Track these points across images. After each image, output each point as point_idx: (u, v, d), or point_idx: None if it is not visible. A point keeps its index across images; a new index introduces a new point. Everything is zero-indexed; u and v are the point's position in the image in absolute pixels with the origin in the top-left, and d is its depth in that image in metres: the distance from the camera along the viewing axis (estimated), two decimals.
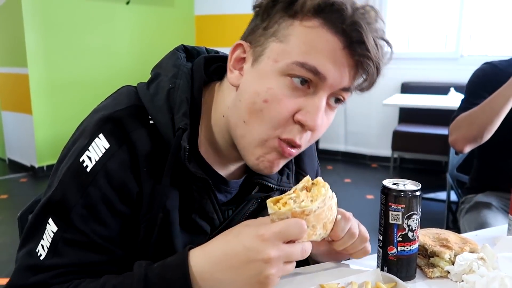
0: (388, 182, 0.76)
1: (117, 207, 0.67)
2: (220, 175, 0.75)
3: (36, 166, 4.14)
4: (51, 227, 0.66)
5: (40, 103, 4.09)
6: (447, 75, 4.19)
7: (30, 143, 4.15)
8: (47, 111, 4.15)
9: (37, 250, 0.66)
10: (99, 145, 0.66)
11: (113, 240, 0.67)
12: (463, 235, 0.86)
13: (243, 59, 0.69)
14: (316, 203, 0.61)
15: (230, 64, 0.70)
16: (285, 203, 0.62)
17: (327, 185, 0.65)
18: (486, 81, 1.53)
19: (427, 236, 0.82)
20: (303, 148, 0.70)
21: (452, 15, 4.24)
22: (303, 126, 0.66)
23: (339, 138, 4.82)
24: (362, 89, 0.69)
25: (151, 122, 0.69)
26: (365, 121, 4.65)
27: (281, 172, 0.78)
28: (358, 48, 0.63)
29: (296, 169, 0.84)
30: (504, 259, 0.75)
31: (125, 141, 0.66)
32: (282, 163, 0.70)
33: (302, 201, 0.62)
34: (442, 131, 3.79)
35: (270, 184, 0.76)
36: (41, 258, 0.65)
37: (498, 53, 4.13)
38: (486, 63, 1.60)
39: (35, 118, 4.07)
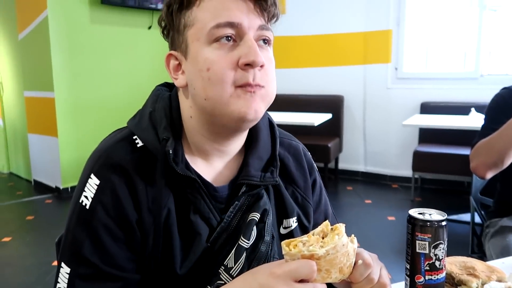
0: (414, 212, 0.78)
1: (119, 235, 0.73)
2: (208, 182, 0.80)
3: (61, 187, 4.24)
4: (64, 270, 0.73)
5: (65, 126, 4.22)
6: (467, 94, 4.18)
7: (55, 165, 4.26)
8: (71, 133, 4.27)
9: None
10: (92, 184, 0.73)
11: (122, 266, 0.73)
12: (490, 263, 0.87)
13: (179, 65, 0.78)
14: (323, 249, 0.64)
15: (171, 75, 0.79)
16: (296, 245, 0.66)
17: (342, 233, 0.67)
18: (504, 107, 1.54)
19: (453, 265, 0.83)
20: (267, 89, 0.75)
21: (470, 34, 4.24)
22: (249, 66, 0.72)
23: (359, 159, 4.81)
24: (274, 16, 0.77)
25: (139, 145, 0.76)
26: (385, 141, 4.64)
27: (265, 169, 0.83)
28: None
29: (284, 178, 0.88)
30: None
31: (114, 172, 0.73)
32: (259, 104, 0.74)
33: (311, 245, 0.65)
34: (464, 151, 3.76)
35: (253, 182, 0.80)
36: None
37: None
38: (504, 88, 1.61)
39: (60, 141, 4.19)
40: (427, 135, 4.29)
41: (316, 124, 3.77)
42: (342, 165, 4.86)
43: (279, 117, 3.87)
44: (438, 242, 0.75)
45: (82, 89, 4.30)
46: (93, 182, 0.73)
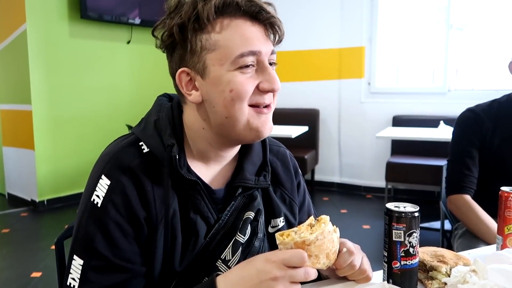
0: (390, 205, 0.87)
1: (128, 231, 0.80)
2: (207, 184, 0.89)
3: (37, 200, 4.19)
4: (77, 262, 0.79)
5: (42, 138, 4.19)
6: (436, 108, 4.38)
7: (31, 178, 4.22)
8: (49, 146, 4.25)
9: (68, 284, 0.79)
10: (103, 184, 0.81)
11: (130, 259, 0.80)
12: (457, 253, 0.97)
13: (191, 81, 0.84)
14: (314, 235, 0.74)
15: (184, 91, 0.85)
16: (289, 234, 0.75)
17: (327, 222, 0.78)
18: (473, 126, 1.69)
19: (425, 253, 0.93)
20: (274, 105, 0.87)
21: (438, 51, 4.47)
22: (268, 92, 0.83)
23: (334, 170, 4.95)
24: (280, 41, 0.86)
25: (145, 151, 0.84)
26: (359, 153, 4.80)
27: (258, 173, 0.93)
28: (260, 15, 0.81)
29: (272, 181, 0.97)
30: (493, 271, 0.86)
31: (123, 174, 0.80)
32: (270, 119, 0.86)
33: (302, 232, 0.75)
34: (433, 162, 3.94)
35: (248, 185, 0.90)
36: None
37: (484, 87, 4.34)
38: (468, 110, 1.75)
39: (37, 154, 4.16)
40: (399, 147, 4.46)
41: (293, 136, 3.88)
42: (318, 177, 4.99)
43: None
44: (411, 231, 0.84)
45: (60, 103, 4.30)
46: (104, 182, 0.80)
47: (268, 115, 0.85)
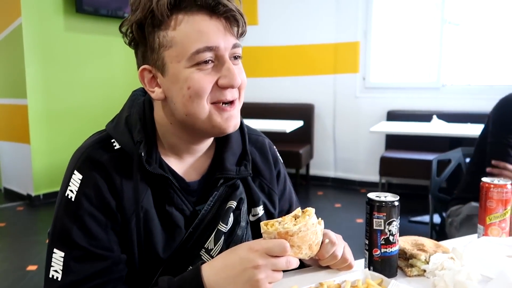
0: (372, 195, 0.90)
1: (103, 221, 0.83)
2: (181, 177, 0.90)
3: (33, 194, 4.21)
4: (58, 254, 0.82)
5: (38, 132, 4.21)
6: (430, 103, 4.42)
7: (27, 172, 4.24)
8: (44, 140, 4.26)
9: (50, 276, 0.81)
10: (75, 179, 0.84)
11: (108, 247, 0.83)
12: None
13: (153, 78, 0.85)
14: (297, 226, 0.77)
15: (147, 88, 0.86)
16: (273, 224, 0.78)
17: (312, 214, 0.81)
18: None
19: (406, 242, 0.96)
20: (240, 100, 0.86)
21: (433, 46, 4.49)
22: (227, 88, 0.82)
23: (329, 165, 4.98)
24: (243, 33, 0.85)
25: (116, 147, 0.86)
26: (354, 148, 4.83)
27: (239, 163, 0.94)
28: (217, 9, 0.79)
29: (253, 172, 0.98)
30: (470, 258, 0.89)
31: (94, 168, 0.83)
32: (236, 117, 0.86)
33: (286, 223, 0.78)
34: (426, 156, 3.97)
35: (230, 175, 0.92)
36: (59, 279, 0.81)
37: (478, 83, 4.37)
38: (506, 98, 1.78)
39: (32, 148, 4.17)
40: (393, 141, 4.49)
41: (288, 131, 3.90)
42: (313, 171, 5.02)
43: (252, 124, 3.93)
44: (391, 219, 0.87)
45: (56, 97, 4.31)
46: (77, 177, 0.83)
47: (232, 112, 0.84)
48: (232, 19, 0.81)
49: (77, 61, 4.44)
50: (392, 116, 4.53)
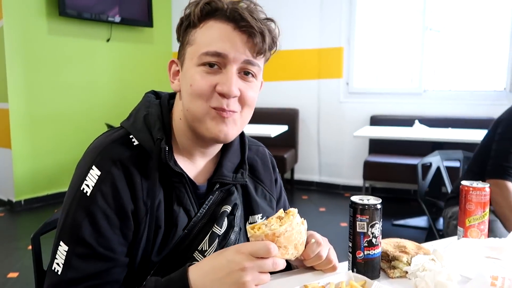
0: (355, 198, 0.92)
1: (114, 221, 0.82)
2: (191, 179, 0.92)
3: (14, 200, 4.14)
4: (63, 248, 0.81)
5: (20, 137, 4.14)
6: (412, 108, 4.49)
7: (8, 177, 4.16)
8: (26, 145, 4.20)
9: (53, 268, 0.81)
10: (93, 174, 0.83)
11: (114, 249, 0.83)
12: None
13: (178, 71, 0.92)
14: (283, 227, 0.78)
15: (170, 78, 0.93)
16: (259, 227, 0.79)
17: (295, 214, 0.83)
18: None
19: (389, 244, 0.98)
20: (242, 115, 0.89)
21: (415, 52, 4.57)
22: (223, 95, 0.85)
23: (313, 169, 5.01)
24: (262, 53, 0.88)
25: (135, 143, 0.88)
26: (338, 152, 4.87)
27: (236, 170, 0.97)
28: (243, 25, 0.84)
29: (253, 178, 1.03)
30: (451, 259, 0.91)
31: (114, 165, 0.83)
32: (230, 128, 0.88)
33: (272, 225, 0.79)
34: (409, 160, 4.04)
35: (226, 181, 0.94)
36: (59, 273, 0.80)
37: (459, 88, 4.46)
38: None
39: (14, 152, 4.11)
40: (376, 146, 4.55)
41: (273, 136, 3.93)
42: (297, 176, 5.04)
43: None
44: (374, 222, 0.89)
45: (38, 101, 4.25)
46: (95, 173, 0.83)
47: (229, 121, 0.87)
48: (254, 38, 0.85)
49: (60, 65, 4.39)
50: (375, 121, 4.58)
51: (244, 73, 0.87)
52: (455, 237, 1.15)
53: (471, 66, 4.46)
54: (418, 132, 3.75)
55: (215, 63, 0.85)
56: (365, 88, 4.79)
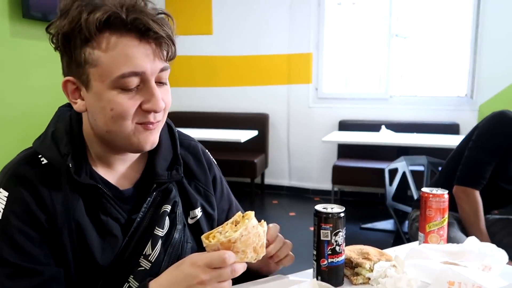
0: (319, 207, 0.93)
1: (33, 235, 0.81)
2: (114, 185, 0.91)
3: None
4: None
5: None
6: (379, 113, 4.59)
7: None
8: None
9: None
10: (2, 197, 0.83)
11: (41, 261, 0.81)
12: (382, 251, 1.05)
13: (77, 89, 0.84)
14: (238, 232, 0.78)
15: (70, 98, 0.86)
16: (214, 236, 0.79)
17: (251, 217, 0.82)
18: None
19: (352, 251, 1.00)
20: (162, 120, 0.88)
21: (382, 59, 4.68)
22: (151, 112, 0.83)
23: (283, 174, 5.04)
24: (172, 58, 0.84)
25: (43, 162, 0.86)
26: (307, 157, 4.92)
27: (170, 168, 0.96)
28: (147, 34, 0.78)
29: (188, 176, 1.01)
30: (411, 266, 0.94)
31: (19, 184, 0.82)
32: (155, 136, 0.87)
33: (227, 232, 0.79)
34: (376, 165, 4.12)
35: (162, 181, 0.93)
36: None
37: (425, 94, 4.60)
38: (502, 112, 1.81)
39: None
40: (345, 150, 4.63)
41: (242, 141, 3.93)
42: (268, 180, 5.06)
43: (206, 134, 3.98)
44: (337, 230, 0.91)
45: (1, 103, 4.12)
46: (3, 195, 0.82)
47: (154, 131, 0.86)
48: (163, 44, 0.80)
49: (24, 67, 4.26)
50: (344, 125, 4.66)
51: (161, 82, 0.85)
52: (417, 242, 1.18)
53: (435, 72, 4.61)
54: (385, 137, 3.84)
55: (135, 84, 0.80)
56: (333, 94, 4.87)
